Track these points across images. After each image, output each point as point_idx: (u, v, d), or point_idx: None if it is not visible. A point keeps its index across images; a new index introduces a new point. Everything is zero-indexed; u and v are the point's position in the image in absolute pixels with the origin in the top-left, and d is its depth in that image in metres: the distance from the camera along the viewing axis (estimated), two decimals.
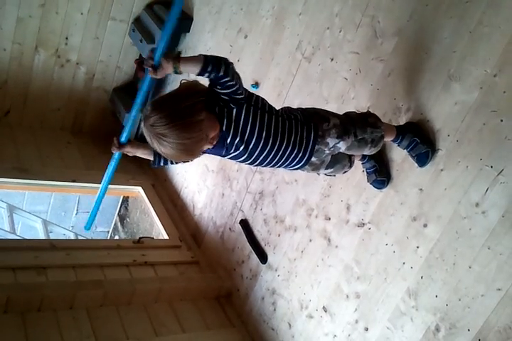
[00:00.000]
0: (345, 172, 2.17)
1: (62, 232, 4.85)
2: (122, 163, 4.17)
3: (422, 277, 2.04)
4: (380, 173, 2.20)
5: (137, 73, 4.20)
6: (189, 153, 1.59)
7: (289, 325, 2.68)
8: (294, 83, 2.77)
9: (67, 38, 3.89)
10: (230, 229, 3.20)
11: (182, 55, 1.41)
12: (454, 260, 1.93)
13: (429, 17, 2.10)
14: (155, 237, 3.75)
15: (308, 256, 2.59)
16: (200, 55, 1.61)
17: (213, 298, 3.16)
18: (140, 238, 3.40)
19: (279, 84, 2.87)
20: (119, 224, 5.35)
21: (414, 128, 2.08)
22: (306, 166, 1.91)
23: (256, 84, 3.04)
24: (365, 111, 2.06)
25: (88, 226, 2.10)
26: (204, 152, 1.72)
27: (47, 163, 3.82)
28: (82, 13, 3.81)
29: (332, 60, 2.54)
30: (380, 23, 2.30)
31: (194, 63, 1.60)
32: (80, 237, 4.86)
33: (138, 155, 2.03)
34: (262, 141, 1.73)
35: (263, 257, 2.88)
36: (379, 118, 1.98)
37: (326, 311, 2.47)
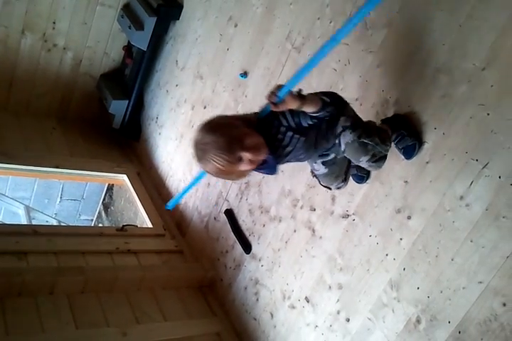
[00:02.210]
0: (338, 187, 2.13)
1: (45, 219, 4.81)
2: (107, 150, 4.17)
3: (404, 269, 2.05)
4: (362, 169, 2.19)
5: (125, 60, 4.20)
6: (227, 154, 1.55)
7: (271, 315, 2.69)
8: (283, 73, 2.76)
9: (54, 23, 3.83)
10: (214, 218, 3.19)
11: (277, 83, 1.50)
12: (437, 252, 1.94)
13: (419, 9, 2.10)
14: (139, 225, 3.73)
15: (292, 247, 2.60)
16: (321, 97, 1.70)
17: (196, 288, 3.16)
18: (123, 226, 3.38)
19: (268, 73, 2.85)
20: (103, 212, 5.32)
21: (402, 120, 2.07)
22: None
23: (245, 74, 3.02)
24: (384, 127, 2.04)
25: (170, 205, 2.07)
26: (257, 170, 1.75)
27: (30, 148, 3.78)
28: None
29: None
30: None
31: (316, 103, 1.68)
32: (62, 224, 4.83)
33: None
34: (311, 151, 1.83)
35: (247, 247, 2.88)
36: (391, 140, 1.96)
37: (308, 301, 2.47)
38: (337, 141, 1.83)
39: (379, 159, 1.89)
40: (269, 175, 1.91)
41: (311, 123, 1.74)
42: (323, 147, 1.86)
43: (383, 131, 1.95)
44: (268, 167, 1.76)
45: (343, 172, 2.10)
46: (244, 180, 2.95)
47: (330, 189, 2.20)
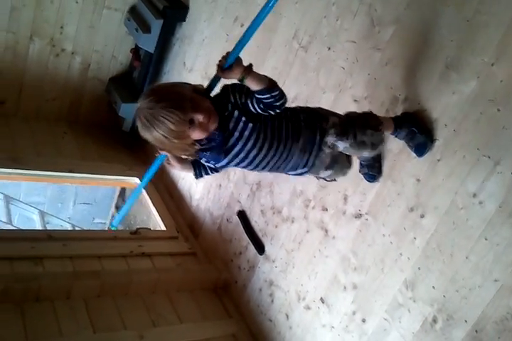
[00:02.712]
0: (345, 174, 2.11)
1: (59, 223, 4.85)
2: (118, 153, 4.17)
3: (419, 268, 2.03)
4: (373, 168, 2.18)
5: (133, 63, 4.20)
6: (179, 112, 1.50)
7: (287, 316, 2.68)
8: (291, 72, 2.75)
9: (62, 27, 3.85)
10: (227, 220, 3.19)
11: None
12: (451, 251, 1.92)
13: (426, 5, 2.08)
14: (152, 228, 3.74)
15: (305, 247, 2.59)
16: (272, 78, 1.64)
17: (211, 289, 3.16)
18: (137, 229, 3.39)
19: (276, 73, 2.84)
20: (116, 215, 5.34)
21: (412, 118, 2.05)
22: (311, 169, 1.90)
23: None
24: (366, 110, 2.01)
25: (114, 224, 2.08)
26: (200, 155, 1.75)
27: (42, 153, 3.79)
28: (77, 2, 3.77)
29: (329, 49, 2.51)
30: (377, 11, 2.27)
31: (262, 81, 1.61)
32: (77, 228, 4.86)
33: (177, 170, 2.01)
34: (265, 150, 1.74)
35: (260, 248, 2.88)
36: (380, 120, 1.91)
37: (323, 302, 2.46)
38: (328, 150, 1.84)
39: (378, 144, 1.89)
40: (217, 169, 1.84)
41: (260, 112, 1.67)
42: (295, 159, 1.81)
43: (369, 116, 1.92)
44: (215, 149, 1.71)
45: (346, 161, 2.07)
46: (255, 180, 2.94)
47: (335, 180, 2.20)
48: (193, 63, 3.61)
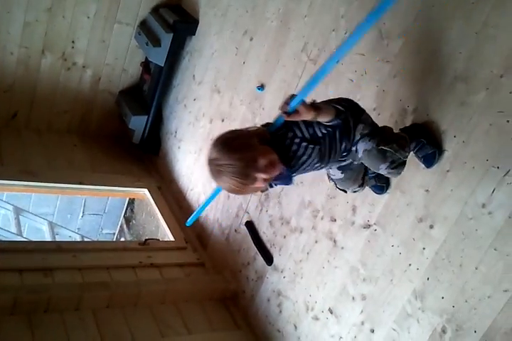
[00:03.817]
0: (355, 191, 2.14)
1: (68, 234, 4.87)
2: (128, 165, 4.21)
3: (428, 278, 2.04)
4: (380, 179, 2.19)
5: (143, 76, 4.26)
6: (243, 178, 1.57)
7: (295, 326, 2.68)
8: (299, 85, 2.78)
9: (73, 42, 3.91)
10: (235, 230, 3.20)
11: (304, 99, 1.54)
12: (461, 261, 1.92)
13: (434, 18, 2.10)
14: (161, 239, 3.76)
15: (313, 258, 2.59)
16: (332, 105, 1.70)
17: (219, 300, 3.16)
18: (146, 240, 3.41)
19: (285, 85, 2.87)
20: (125, 226, 5.37)
21: (421, 129, 2.07)
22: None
23: (261, 87, 3.05)
24: (402, 133, 2.01)
25: (189, 222, 2.11)
26: (270, 185, 1.78)
27: (53, 165, 3.84)
28: (88, 17, 3.84)
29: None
30: (386, 24, 2.31)
31: (329, 112, 1.68)
32: (86, 239, 4.88)
33: None
34: (326, 157, 1.81)
35: (269, 259, 2.88)
36: (409, 145, 1.93)
37: (331, 313, 2.46)
38: (354, 148, 1.83)
39: (398, 165, 1.87)
40: (286, 186, 1.91)
41: (325, 132, 1.74)
42: (339, 154, 1.85)
43: (401, 137, 1.93)
44: (283, 178, 1.76)
45: (360, 177, 2.10)
46: (260, 193, 2.96)
47: (345, 192, 2.20)
48: (203, 76, 3.66)
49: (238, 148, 1.58)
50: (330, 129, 1.74)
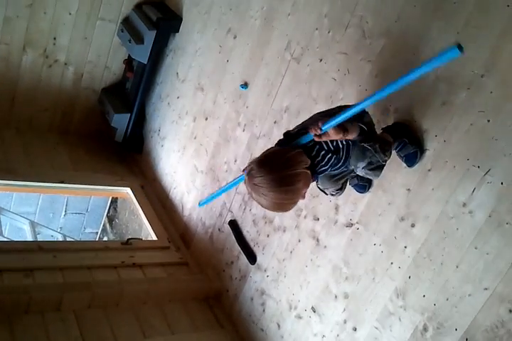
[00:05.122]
0: (333, 194, 2.20)
1: (50, 234, 4.82)
2: (111, 163, 4.18)
3: (409, 277, 2.05)
4: (362, 178, 2.20)
5: (126, 73, 4.22)
6: (283, 208, 1.80)
7: (278, 325, 2.68)
8: (283, 83, 2.78)
9: (55, 38, 3.86)
10: (219, 229, 3.19)
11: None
12: (442, 260, 1.93)
13: (416, 18, 2.11)
14: (144, 238, 3.73)
15: (297, 257, 2.59)
16: (357, 124, 1.81)
17: (202, 299, 3.15)
18: (128, 239, 3.38)
19: (268, 84, 2.87)
20: (107, 225, 5.33)
21: (402, 128, 2.08)
22: None
23: (245, 85, 3.04)
24: (389, 138, 2.03)
25: (202, 204, 2.20)
26: None
27: (34, 164, 3.79)
28: (70, 13, 3.79)
29: (321, 60, 2.54)
30: (369, 23, 2.31)
31: (355, 130, 1.80)
32: (68, 239, 4.83)
33: None
34: (342, 160, 1.92)
35: (252, 258, 2.88)
36: (391, 150, 1.97)
37: (314, 311, 2.47)
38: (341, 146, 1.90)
39: (376, 168, 1.90)
40: None
41: (345, 143, 1.87)
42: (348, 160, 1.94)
43: (386, 142, 1.94)
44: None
45: (341, 182, 2.14)
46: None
47: (325, 194, 2.22)
48: (186, 74, 3.64)
49: (283, 178, 1.69)
50: (350, 141, 1.87)
